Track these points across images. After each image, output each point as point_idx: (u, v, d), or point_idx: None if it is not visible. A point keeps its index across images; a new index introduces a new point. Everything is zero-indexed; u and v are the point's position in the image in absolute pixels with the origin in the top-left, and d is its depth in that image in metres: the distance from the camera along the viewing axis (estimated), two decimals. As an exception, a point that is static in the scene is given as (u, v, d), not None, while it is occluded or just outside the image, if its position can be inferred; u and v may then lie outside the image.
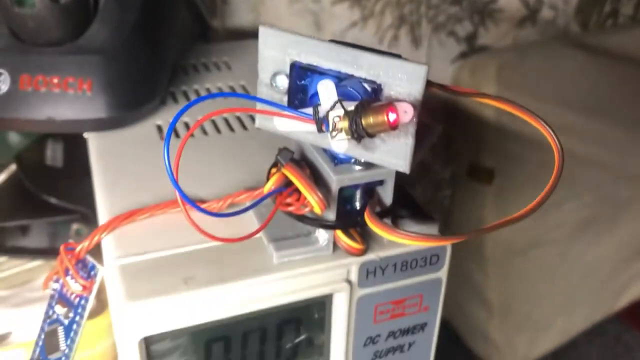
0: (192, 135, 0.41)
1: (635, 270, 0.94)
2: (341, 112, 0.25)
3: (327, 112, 0.25)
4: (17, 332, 0.45)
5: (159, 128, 0.41)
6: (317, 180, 0.29)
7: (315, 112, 0.26)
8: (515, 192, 0.83)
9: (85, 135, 0.51)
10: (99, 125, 0.39)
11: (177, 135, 0.41)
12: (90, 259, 0.31)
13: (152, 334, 0.27)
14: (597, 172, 0.87)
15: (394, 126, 0.24)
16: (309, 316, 0.31)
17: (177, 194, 0.25)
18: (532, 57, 0.86)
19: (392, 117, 0.24)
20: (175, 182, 0.25)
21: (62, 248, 0.30)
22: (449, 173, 0.91)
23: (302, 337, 0.32)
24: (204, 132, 0.41)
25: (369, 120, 0.24)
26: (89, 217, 0.49)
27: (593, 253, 0.90)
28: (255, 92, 0.47)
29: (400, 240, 0.27)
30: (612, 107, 0.87)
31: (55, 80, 0.38)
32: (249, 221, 0.32)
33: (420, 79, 0.25)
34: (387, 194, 0.30)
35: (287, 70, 0.27)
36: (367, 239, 0.30)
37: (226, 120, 0.42)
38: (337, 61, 0.26)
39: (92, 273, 0.30)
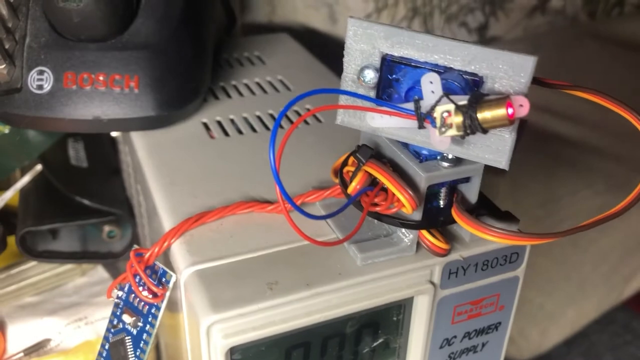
0: (240, 133, 0.39)
1: (643, 259, 0.94)
2: (451, 107, 0.23)
3: (433, 107, 0.24)
4: (56, 339, 0.43)
5: (206, 126, 0.40)
6: (400, 177, 0.28)
7: (417, 107, 0.24)
8: (528, 181, 0.83)
9: (114, 134, 0.49)
10: (147, 124, 0.37)
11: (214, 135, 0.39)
12: (160, 265, 0.29)
13: (240, 343, 0.26)
14: (610, 161, 0.87)
15: (512, 120, 0.23)
16: (387, 319, 0.30)
17: (279, 193, 0.24)
18: (543, 47, 0.85)
19: (509, 111, 0.22)
20: (279, 180, 0.23)
21: (132, 254, 0.29)
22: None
23: (380, 340, 0.31)
24: (240, 132, 0.39)
25: (485, 115, 0.23)
26: (122, 219, 0.47)
27: (604, 241, 0.90)
28: (295, 85, 0.46)
29: (494, 239, 0.26)
30: (622, 93, 0.87)
31: (101, 78, 0.36)
32: (321, 221, 0.31)
33: (528, 70, 0.24)
34: (472, 192, 0.29)
35: (376, 63, 0.26)
36: (448, 239, 0.29)
37: (259, 119, 0.41)
38: (433, 53, 0.25)
39: (164, 280, 0.29)
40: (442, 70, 0.25)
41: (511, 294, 0.32)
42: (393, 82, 0.26)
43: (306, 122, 0.40)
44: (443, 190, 0.28)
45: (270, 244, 0.29)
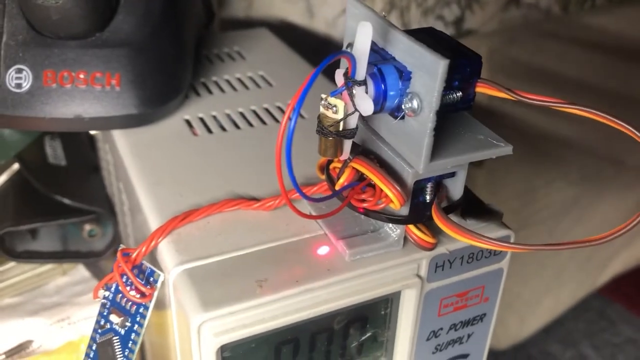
0: (224, 130, 0.39)
1: (616, 246, 0.97)
2: (340, 104, 0.25)
3: (348, 88, 0.25)
4: (38, 340, 0.43)
5: (188, 122, 0.40)
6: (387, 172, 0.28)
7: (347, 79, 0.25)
8: (504, 173, 0.84)
9: (95, 132, 0.48)
10: (130, 122, 0.37)
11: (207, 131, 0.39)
12: (147, 265, 0.29)
13: (230, 341, 0.26)
14: (582, 151, 0.88)
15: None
16: (375, 313, 0.31)
17: (290, 181, 0.25)
18: (519, 40, 0.86)
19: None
20: (291, 169, 0.25)
21: (119, 254, 0.29)
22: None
23: (368, 334, 0.31)
24: (223, 128, 0.39)
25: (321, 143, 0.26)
26: (103, 217, 0.47)
27: (578, 230, 0.92)
28: (276, 81, 0.46)
29: (472, 243, 0.26)
30: (594, 85, 0.88)
31: (82, 76, 0.36)
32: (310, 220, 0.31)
33: (436, 74, 0.23)
34: (457, 187, 0.29)
35: None
36: (434, 232, 0.30)
37: (242, 115, 0.41)
38: (384, 39, 0.26)
39: (152, 279, 0.29)
40: (388, 58, 0.26)
41: (496, 286, 0.33)
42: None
43: (290, 119, 0.40)
44: (429, 185, 0.29)
45: (258, 242, 0.29)
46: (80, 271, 0.49)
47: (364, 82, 0.25)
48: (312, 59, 0.51)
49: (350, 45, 0.27)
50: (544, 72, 0.86)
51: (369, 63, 0.25)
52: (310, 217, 0.29)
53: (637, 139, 0.27)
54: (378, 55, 0.26)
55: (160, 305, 0.31)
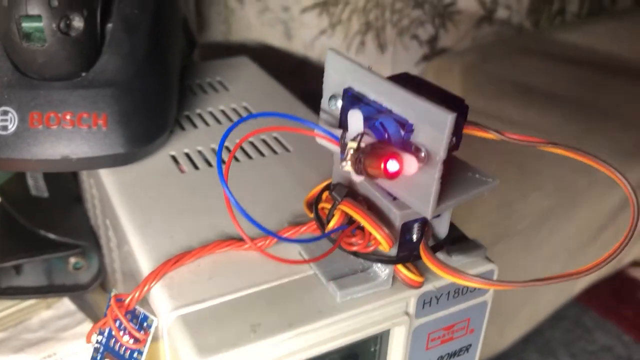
0: (210, 165, 0.40)
1: (591, 255, 0.99)
2: (354, 145, 0.25)
3: (349, 141, 0.26)
4: (25, 378, 0.43)
5: (174, 159, 0.40)
6: (375, 214, 0.29)
7: (342, 137, 0.26)
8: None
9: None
10: (117, 161, 0.37)
11: (199, 166, 0.39)
12: (141, 310, 0.29)
13: (226, 387, 0.27)
14: (556, 163, 0.90)
15: (391, 176, 0.24)
16: (365, 350, 0.31)
17: (238, 229, 0.25)
18: (492, 57, 0.88)
19: (390, 166, 0.24)
20: (246, 214, 0.24)
21: (112, 300, 0.29)
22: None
23: (358, 370, 0.32)
24: (209, 164, 0.40)
25: (370, 162, 0.25)
26: (88, 249, 0.47)
27: (554, 241, 0.94)
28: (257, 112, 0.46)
29: (457, 281, 0.27)
30: (566, 100, 0.91)
31: (69, 117, 0.36)
32: (296, 256, 0.32)
33: (445, 126, 0.24)
34: (442, 226, 0.30)
35: (341, 94, 0.28)
36: (421, 269, 0.31)
37: (227, 149, 0.41)
38: (378, 93, 0.27)
39: (145, 325, 0.29)
40: (384, 111, 0.26)
41: (480, 318, 0.34)
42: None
43: (274, 152, 0.41)
44: (416, 226, 0.29)
45: (250, 284, 0.30)
46: (65, 304, 0.49)
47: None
48: (290, 80, 0.52)
49: (334, 97, 0.28)
50: (517, 87, 0.88)
51: (366, 117, 0.26)
52: (287, 261, 0.30)
53: (616, 178, 0.28)
54: (371, 108, 0.27)
55: (155, 350, 0.31)
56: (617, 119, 0.92)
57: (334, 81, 0.28)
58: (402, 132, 0.26)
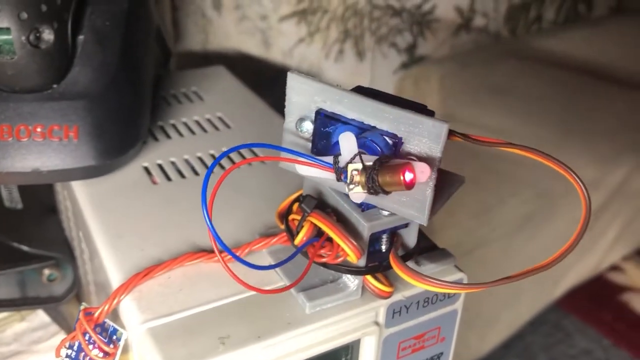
0: (183, 177, 0.40)
1: (570, 260, 0.99)
2: (359, 166, 0.25)
3: (346, 164, 0.25)
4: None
5: (147, 170, 0.40)
6: (344, 226, 0.29)
7: (335, 161, 0.26)
8: (460, 195, 0.86)
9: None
10: (89, 174, 0.37)
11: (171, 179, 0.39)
12: (110, 323, 0.29)
13: (195, 400, 0.27)
14: (534, 169, 0.91)
15: (410, 186, 0.24)
16: (336, 360, 0.31)
17: (216, 245, 0.25)
18: (470, 65, 0.89)
19: (408, 177, 0.24)
20: (218, 236, 0.24)
21: (81, 314, 0.29)
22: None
23: (330, 381, 0.32)
24: (182, 175, 0.40)
25: (385, 178, 0.24)
26: (62, 261, 0.46)
27: (533, 246, 0.94)
28: (234, 122, 0.47)
29: (429, 288, 0.27)
30: (544, 107, 0.92)
31: (39, 129, 0.36)
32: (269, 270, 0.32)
33: (440, 136, 0.25)
34: (411, 236, 0.30)
35: (312, 116, 0.27)
36: (391, 278, 0.31)
37: (201, 160, 0.41)
38: (359, 112, 0.27)
39: (114, 338, 0.29)
40: (367, 128, 0.27)
41: (451, 326, 0.34)
42: (325, 134, 0.28)
43: (248, 163, 0.41)
44: (384, 236, 0.30)
45: (219, 296, 0.30)
46: (39, 316, 0.49)
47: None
48: (268, 89, 0.52)
49: (302, 120, 0.28)
50: (495, 94, 0.89)
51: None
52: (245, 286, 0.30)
53: (571, 178, 0.29)
54: (351, 127, 0.27)
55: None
56: (595, 124, 0.93)
57: (299, 104, 0.28)
58: (391, 146, 0.26)
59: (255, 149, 0.41)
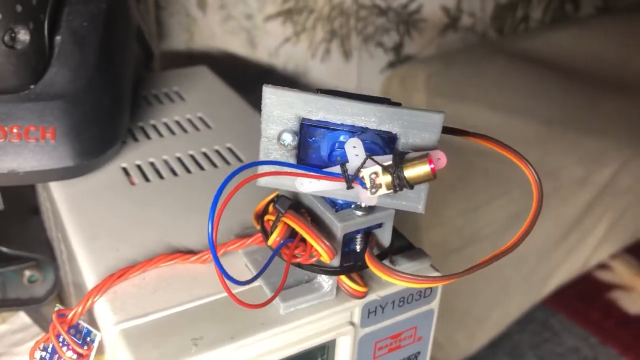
0: (161, 178, 0.40)
1: (558, 258, 1.00)
2: (378, 168, 0.25)
3: (359, 170, 0.25)
4: (-22, 395, 0.42)
5: (125, 171, 0.40)
6: (318, 226, 0.29)
7: (344, 170, 0.26)
8: (447, 193, 0.87)
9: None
10: (66, 175, 0.37)
11: (149, 179, 0.39)
12: (84, 325, 0.29)
13: (167, 401, 0.27)
14: (521, 168, 0.91)
15: (435, 174, 0.24)
16: (312, 360, 0.31)
17: (217, 268, 0.25)
18: (456, 64, 0.89)
19: (436, 165, 0.24)
20: (216, 257, 0.24)
21: (54, 315, 0.29)
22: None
23: (306, 381, 0.32)
24: (160, 176, 0.40)
25: (410, 173, 0.25)
26: (43, 262, 0.46)
27: (521, 245, 0.95)
28: (215, 122, 0.47)
29: (405, 284, 0.28)
30: (530, 106, 0.92)
31: (15, 130, 0.36)
32: (243, 268, 0.32)
33: (436, 127, 0.26)
34: (385, 236, 0.30)
35: (295, 128, 0.27)
36: (366, 278, 0.31)
37: (180, 160, 0.41)
38: (348, 115, 0.26)
39: (88, 339, 0.29)
40: (359, 131, 0.27)
41: (428, 326, 0.34)
42: (312, 144, 0.28)
43: (227, 163, 0.41)
44: (359, 236, 0.30)
45: (193, 297, 0.30)
46: (20, 318, 0.48)
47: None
48: (254, 89, 0.52)
49: (284, 132, 0.27)
50: (481, 93, 0.89)
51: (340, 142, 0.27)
52: (215, 279, 0.29)
53: (523, 165, 0.29)
54: (342, 132, 0.27)
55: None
56: (582, 123, 0.93)
57: (279, 117, 0.27)
58: (388, 143, 0.27)
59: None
